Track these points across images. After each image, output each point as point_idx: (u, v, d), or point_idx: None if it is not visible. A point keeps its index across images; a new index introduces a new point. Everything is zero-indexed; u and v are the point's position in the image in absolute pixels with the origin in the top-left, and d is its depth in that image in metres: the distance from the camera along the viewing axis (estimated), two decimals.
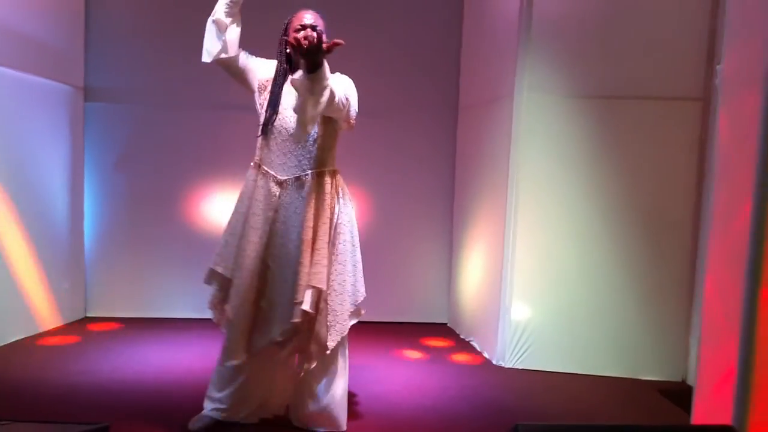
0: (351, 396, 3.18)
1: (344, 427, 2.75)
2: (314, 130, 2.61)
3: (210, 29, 2.64)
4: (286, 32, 2.67)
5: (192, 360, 3.69)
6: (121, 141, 4.63)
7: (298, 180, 2.63)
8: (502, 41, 3.98)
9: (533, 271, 3.78)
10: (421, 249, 4.87)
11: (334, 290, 2.65)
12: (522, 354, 3.80)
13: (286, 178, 2.64)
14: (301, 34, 2.45)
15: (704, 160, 3.57)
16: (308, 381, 2.72)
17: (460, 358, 4.01)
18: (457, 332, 4.57)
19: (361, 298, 2.74)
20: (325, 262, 2.61)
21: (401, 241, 4.85)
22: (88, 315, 4.61)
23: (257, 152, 2.72)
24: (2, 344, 3.77)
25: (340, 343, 2.69)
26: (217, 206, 4.64)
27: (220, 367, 2.74)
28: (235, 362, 2.67)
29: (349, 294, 2.69)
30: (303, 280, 2.55)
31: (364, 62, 4.51)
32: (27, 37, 3.94)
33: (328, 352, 2.64)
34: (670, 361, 3.69)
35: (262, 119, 2.69)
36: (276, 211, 2.64)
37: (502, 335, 3.83)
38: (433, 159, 4.82)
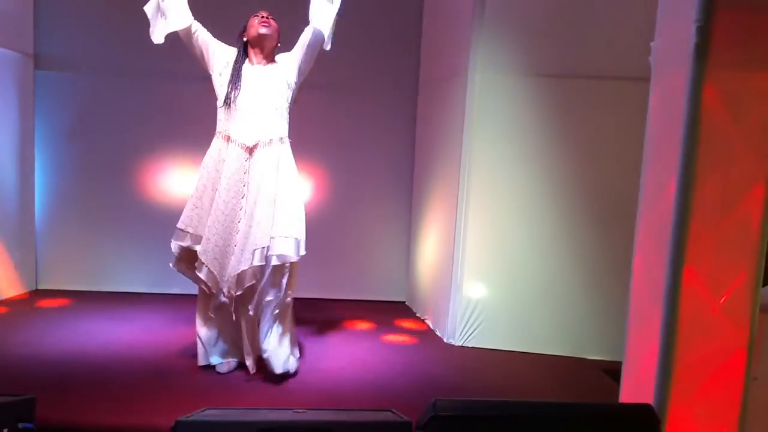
0: (297, 371, 3.18)
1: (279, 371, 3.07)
2: (276, 101, 3.09)
3: (152, 8, 3.06)
4: (245, 29, 3.15)
5: (137, 334, 3.66)
6: (74, 110, 4.52)
7: (263, 145, 3.05)
8: (458, 18, 3.92)
9: (484, 251, 3.78)
10: (380, 227, 4.84)
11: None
12: (472, 332, 3.81)
13: (253, 143, 3.03)
14: None
15: None
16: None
17: (412, 336, 4.00)
18: (414, 311, 4.57)
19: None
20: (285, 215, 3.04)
21: (360, 219, 4.82)
22: (39, 287, 4.55)
23: (221, 124, 3.11)
24: None
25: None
26: (171, 178, 4.59)
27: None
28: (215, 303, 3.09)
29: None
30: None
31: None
32: None
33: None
34: (616, 341, 3.67)
35: (223, 95, 3.08)
36: (245, 172, 3.04)
37: (452, 313, 3.83)
38: (392, 134, 4.76)
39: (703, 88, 2.01)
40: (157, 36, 3.08)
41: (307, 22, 3.12)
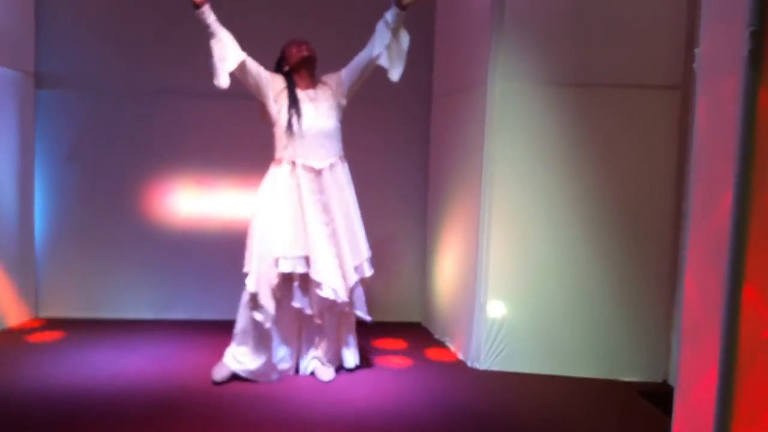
0: (319, 403, 3.03)
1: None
2: (332, 123, 3.33)
3: (214, 54, 3.15)
4: (283, 60, 3.37)
5: (142, 365, 3.48)
6: (75, 130, 4.38)
7: (329, 166, 3.29)
8: (475, 27, 3.80)
9: (508, 269, 3.61)
10: (394, 245, 4.66)
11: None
12: (497, 355, 3.63)
13: (320, 167, 3.25)
14: None
15: (685, 150, 3.42)
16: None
17: (433, 359, 3.83)
18: (432, 332, 4.39)
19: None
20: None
21: (373, 237, 4.63)
22: (41, 315, 4.38)
23: (283, 151, 3.26)
24: None
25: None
26: (174, 198, 4.44)
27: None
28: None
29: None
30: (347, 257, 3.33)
31: (335, 49, 4.32)
32: None
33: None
34: (650, 361, 3.53)
35: (284, 121, 3.24)
36: (321, 193, 3.26)
37: (476, 335, 3.66)
38: (405, 149, 4.63)
39: (759, 94, 1.87)
40: (223, 79, 3.17)
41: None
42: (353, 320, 3.49)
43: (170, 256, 4.44)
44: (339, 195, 3.31)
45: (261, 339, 3.24)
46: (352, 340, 3.51)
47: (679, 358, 2.22)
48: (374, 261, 4.65)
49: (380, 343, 4.08)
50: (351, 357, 3.49)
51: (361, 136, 4.54)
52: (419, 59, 4.55)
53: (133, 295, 4.43)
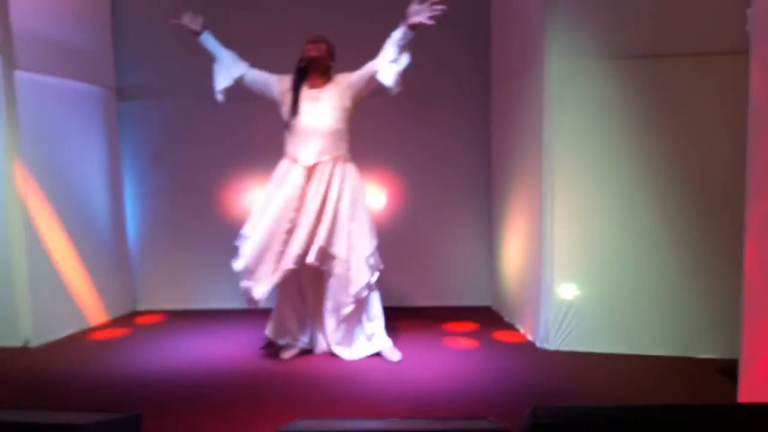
0: (388, 382, 3.17)
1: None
2: (331, 124, 3.39)
3: (214, 73, 3.55)
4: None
5: (231, 349, 3.75)
6: (156, 138, 4.72)
7: (318, 165, 3.39)
8: (529, 7, 3.78)
9: (575, 248, 3.59)
10: (461, 230, 4.75)
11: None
12: (566, 335, 3.63)
13: (312, 164, 3.38)
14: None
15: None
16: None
17: (503, 341, 3.88)
18: (501, 315, 4.44)
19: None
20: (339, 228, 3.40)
21: (440, 224, 4.74)
22: (137, 309, 4.77)
23: (287, 147, 3.46)
24: (56, 338, 3.94)
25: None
26: (253, 196, 4.69)
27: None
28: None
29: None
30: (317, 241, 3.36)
31: (358, 44, 4.39)
32: (57, 43, 4.07)
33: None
34: (727, 338, 3.42)
35: (285, 120, 3.43)
36: (301, 188, 3.37)
37: (544, 316, 3.67)
38: (467, 135, 4.68)
39: None
40: (218, 96, 3.57)
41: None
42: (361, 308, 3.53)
43: None
44: (324, 191, 3.37)
45: (296, 316, 3.60)
46: (358, 330, 3.55)
47: (741, 331, 2.19)
48: (442, 248, 4.79)
49: (450, 326, 4.18)
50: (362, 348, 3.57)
51: (424, 125, 4.66)
52: (477, 44, 4.61)
53: (220, 287, 4.72)
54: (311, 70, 3.42)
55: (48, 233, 3.94)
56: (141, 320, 4.51)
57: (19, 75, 3.72)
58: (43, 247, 3.89)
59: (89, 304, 4.29)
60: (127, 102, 4.69)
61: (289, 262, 3.35)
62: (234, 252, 4.64)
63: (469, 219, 4.74)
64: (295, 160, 3.41)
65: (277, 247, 3.37)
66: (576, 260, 3.60)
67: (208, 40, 3.50)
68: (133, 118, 4.71)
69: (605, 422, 1.85)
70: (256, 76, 3.50)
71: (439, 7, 3.14)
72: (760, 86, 2.08)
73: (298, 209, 3.37)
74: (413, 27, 3.24)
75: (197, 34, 3.48)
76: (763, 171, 2.07)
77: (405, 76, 3.53)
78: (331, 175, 3.38)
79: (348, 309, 3.44)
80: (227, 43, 3.57)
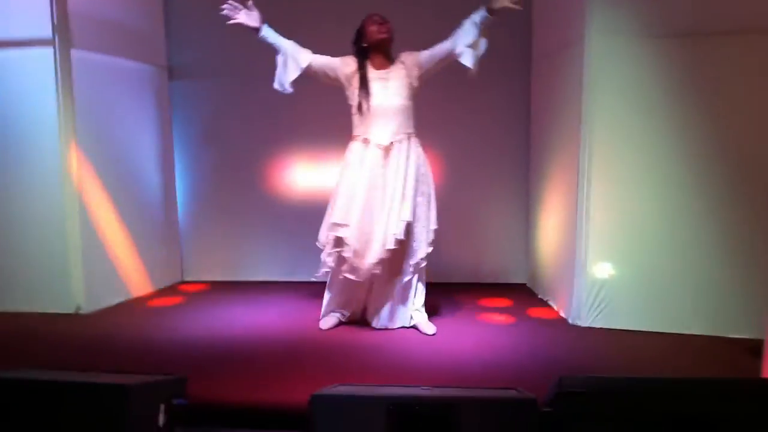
0: (422, 353, 3.28)
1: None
2: (402, 102, 3.46)
3: (279, 65, 3.50)
4: (361, 36, 3.49)
5: (272, 319, 3.92)
6: (206, 116, 4.89)
7: (394, 144, 3.45)
8: None
9: (610, 228, 3.63)
10: (498, 208, 4.82)
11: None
12: (599, 312, 3.68)
13: (388, 143, 3.44)
14: None
15: None
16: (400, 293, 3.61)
17: (535, 317, 3.96)
18: (536, 292, 4.51)
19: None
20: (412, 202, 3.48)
21: (478, 201, 4.81)
22: (185, 279, 5.00)
23: (357, 129, 3.50)
24: (108, 305, 4.18)
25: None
26: (296, 173, 4.85)
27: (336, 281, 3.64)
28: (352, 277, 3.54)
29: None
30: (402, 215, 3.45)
31: (434, 14, 4.43)
32: (111, 22, 4.24)
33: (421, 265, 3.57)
34: (761, 318, 3.43)
35: (355, 103, 3.46)
36: (383, 168, 3.44)
37: (578, 293, 3.73)
38: (506, 114, 4.71)
39: None
40: (287, 87, 3.51)
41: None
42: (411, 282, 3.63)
43: (292, 225, 4.87)
44: (404, 168, 3.44)
45: (344, 290, 3.67)
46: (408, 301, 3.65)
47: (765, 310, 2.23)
48: (479, 226, 4.85)
49: (485, 302, 4.27)
50: (406, 317, 3.68)
51: (463, 104, 4.70)
52: (519, 21, 4.57)
53: (263, 260, 4.93)
54: (375, 51, 3.47)
55: (100, 207, 4.15)
56: (188, 289, 4.73)
57: (75, 54, 3.90)
58: (95, 220, 4.11)
59: (139, 274, 4.52)
60: (177, 80, 4.86)
61: (390, 243, 3.43)
62: (277, 227, 4.86)
63: (507, 197, 4.80)
64: (368, 141, 3.46)
65: (377, 228, 3.45)
66: (611, 239, 3.64)
67: (269, 34, 3.48)
68: (183, 96, 4.88)
69: (627, 392, 1.93)
70: (323, 63, 3.50)
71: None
72: None
73: (383, 188, 3.45)
74: (494, 12, 3.33)
75: (257, 30, 3.46)
76: None
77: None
78: (407, 154, 3.46)
79: (407, 278, 3.56)
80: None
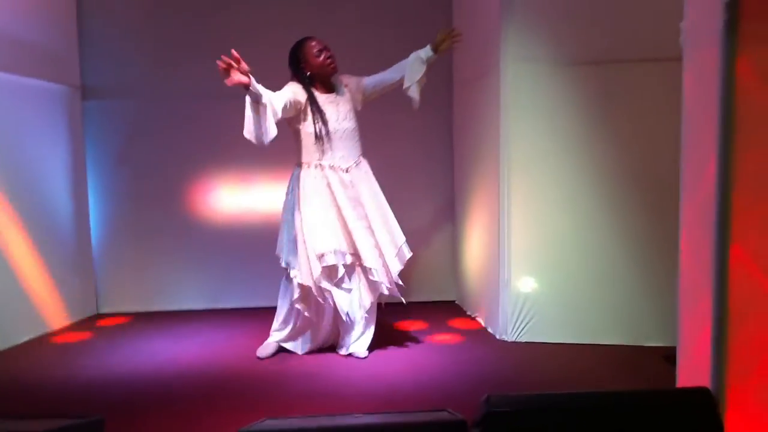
0: (354, 378, 3.25)
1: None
2: (352, 125, 3.50)
3: (255, 118, 3.16)
4: (301, 60, 3.44)
5: (196, 350, 3.78)
6: (121, 137, 4.70)
7: (352, 166, 3.47)
8: (488, 11, 3.91)
9: (531, 244, 3.75)
10: (425, 228, 4.86)
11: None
12: (524, 327, 3.78)
13: (347, 166, 3.44)
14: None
15: None
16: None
17: (464, 334, 4.01)
18: (464, 308, 4.57)
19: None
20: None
21: (405, 222, 4.77)
22: (100, 311, 4.73)
23: (310, 156, 3.43)
24: (15, 344, 3.89)
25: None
26: (220, 196, 4.72)
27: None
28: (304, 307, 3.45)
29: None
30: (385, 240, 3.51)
31: (354, 40, 4.52)
32: (20, 40, 4.02)
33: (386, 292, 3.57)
34: (674, 326, 3.60)
35: (314, 130, 3.39)
36: (352, 190, 3.44)
37: (503, 309, 3.82)
38: (429, 138, 4.79)
39: (736, 63, 1.97)
40: (266, 143, 3.19)
41: None
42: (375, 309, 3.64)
43: (216, 250, 4.73)
44: (368, 189, 3.50)
45: (302, 326, 3.56)
46: (372, 328, 3.64)
47: (678, 318, 2.34)
48: (408, 244, 4.87)
49: (414, 321, 4.29)
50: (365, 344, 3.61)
51: (389, 127, 4.73)
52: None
53: (185, 288, 4.75)
54: (323, 79, 3.47)
55: (8, 235, 3.90)
56: (104, 323, 4.48)
57: None
58: (1, 249, 3.85)
59: (50, 308, 4.25)
60: (92, 100, 4.66)
61: (397, 264, 3.52)
62: (199, 253, 4.71)
63: (434, 217, 4.86)
64: (323, 167, 3.42)
65: (352, 252, 3.44)
66: (532, 255, 3.75)
67: (257, 87, 3.08)
68: (97, 116, 4.67)
69: (556, 409, 1.97)
70: (289, 98, 3.29)
71: (459, 36, 3.60)
72: (690, 92, 2.23)
73: (352, 211, 3.43)
74: (438, 51, 3.55)
75: (246, 85, 3.04)
76: (693, 169, 2.22)
77: (367, 75, 3.70)
78: (367, 176, 3.52)
79: (369, 302, 3.52)
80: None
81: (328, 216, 3.41)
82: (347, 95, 3.53)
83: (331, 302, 3.44)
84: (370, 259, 3.44)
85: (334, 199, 3.41)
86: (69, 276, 4.44)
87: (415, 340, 3.89)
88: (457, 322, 4.26)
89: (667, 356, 3.39)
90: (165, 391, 3.12)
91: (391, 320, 4.28)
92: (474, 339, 3.90)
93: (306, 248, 3.36)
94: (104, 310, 4.75)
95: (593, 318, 3.69)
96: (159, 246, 4.75)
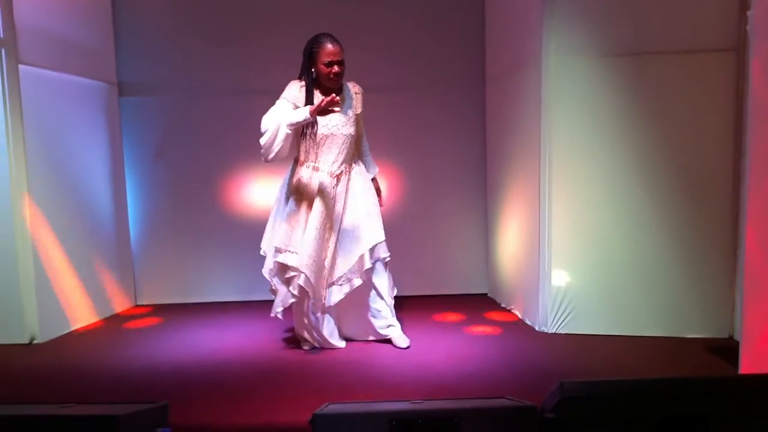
0: (394, 367, 3.28)
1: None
2: (350, 130, 3.47)
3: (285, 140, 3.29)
4: (312, 59, 3.37)
5: (241, 339, 3.83)
6: (158, 132, 4.75)
7: (344, 172, 3.48)
8: (527, 6, 3.93)
9: (571, 237, 3.76)
10: (457, 221, 4.90)
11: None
12: (564, 319, 3.81)
13: (338, 171, 3.45)
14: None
15: (742, 111, 3.48)
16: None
17: (502, 326, 4.03)
18: (498, 301, 4.60)
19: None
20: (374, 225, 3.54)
21: (437, 216, 4.87)
22: (138, 303, 4.80)
23: (306, 155, 3.45)
24: (61, 334, 3.97)
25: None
26: (254, 190, 4.76)
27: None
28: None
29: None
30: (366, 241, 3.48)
31: (386, 37, 4.59)
32: (60, 38, 4.07)
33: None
34: (715, 318, 3.64)
35: (308, 132, 3.40)
36: (333, 196, 3.43)
37: (542, 302, 3.84)
38: (462, 132, 4.82)
39: None
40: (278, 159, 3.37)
41: None
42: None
43: (250, 243, 4.74)
44: (354, 193, 3.51)
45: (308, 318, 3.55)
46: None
47: (742, 310, 2.36)
48: (439, 238, 4.94)
49: (450, 313, 4.32)
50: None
51: (418, 121, 4.78)
52: (471, 44, 4.73)
53: (221, 280, 4.80)
54: (328, 87, 3.40)
55: (51, 230, 3.94)
56: (144, 314, 4.54)
57: (23, 70, 3.72)
58: (46, 244, 3.90)
59: (92, 300, 4.31)
60: (128, 97, 4.71)
61: (343, 268, 3.48)
62: (235, 246, 4.75)
63: (466, 212, 4.88)
64: (317, 169, 3.43)
65: (329, 256, 3.45)
66: (572, 248, 3.77)
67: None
68: (134, 112, 4.73)
69: (627, 395, 2.00)
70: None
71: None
72: (759, 84, 2.25)
73: (337, 215, 3.45)
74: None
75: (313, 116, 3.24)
76: (763, 161, 2.23)
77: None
78: (353, 179, 3.52)
79: (358, 282, 3.51)
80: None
81: (305, 218, 3.40)
82: (352, 104, 3.51)
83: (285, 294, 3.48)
84: (337, 271, 3.49)
85: (318, 202, 3.39)
86: (109, 268, 4.50)
87: (454, 332, 3.92)
88: (493, 315, 4.28)
89: (710, 347, 3.43)
90: (217, 379, 3.15)
91: (426, 312, 4.31)
92: (513, 331, 3.92)
93: (270, 238, 3.49)
94: (142, 302, 4.80)
95: (633, 309, 3.71)
96: (195, 239, 4.80)
